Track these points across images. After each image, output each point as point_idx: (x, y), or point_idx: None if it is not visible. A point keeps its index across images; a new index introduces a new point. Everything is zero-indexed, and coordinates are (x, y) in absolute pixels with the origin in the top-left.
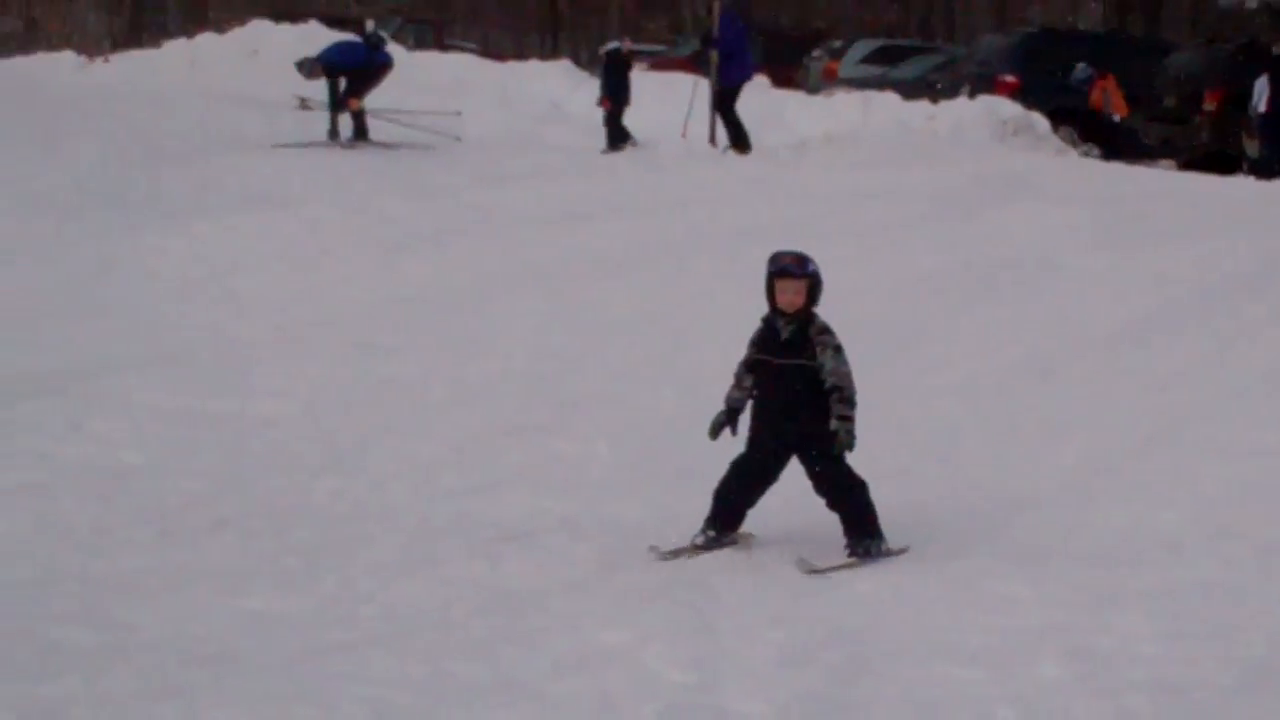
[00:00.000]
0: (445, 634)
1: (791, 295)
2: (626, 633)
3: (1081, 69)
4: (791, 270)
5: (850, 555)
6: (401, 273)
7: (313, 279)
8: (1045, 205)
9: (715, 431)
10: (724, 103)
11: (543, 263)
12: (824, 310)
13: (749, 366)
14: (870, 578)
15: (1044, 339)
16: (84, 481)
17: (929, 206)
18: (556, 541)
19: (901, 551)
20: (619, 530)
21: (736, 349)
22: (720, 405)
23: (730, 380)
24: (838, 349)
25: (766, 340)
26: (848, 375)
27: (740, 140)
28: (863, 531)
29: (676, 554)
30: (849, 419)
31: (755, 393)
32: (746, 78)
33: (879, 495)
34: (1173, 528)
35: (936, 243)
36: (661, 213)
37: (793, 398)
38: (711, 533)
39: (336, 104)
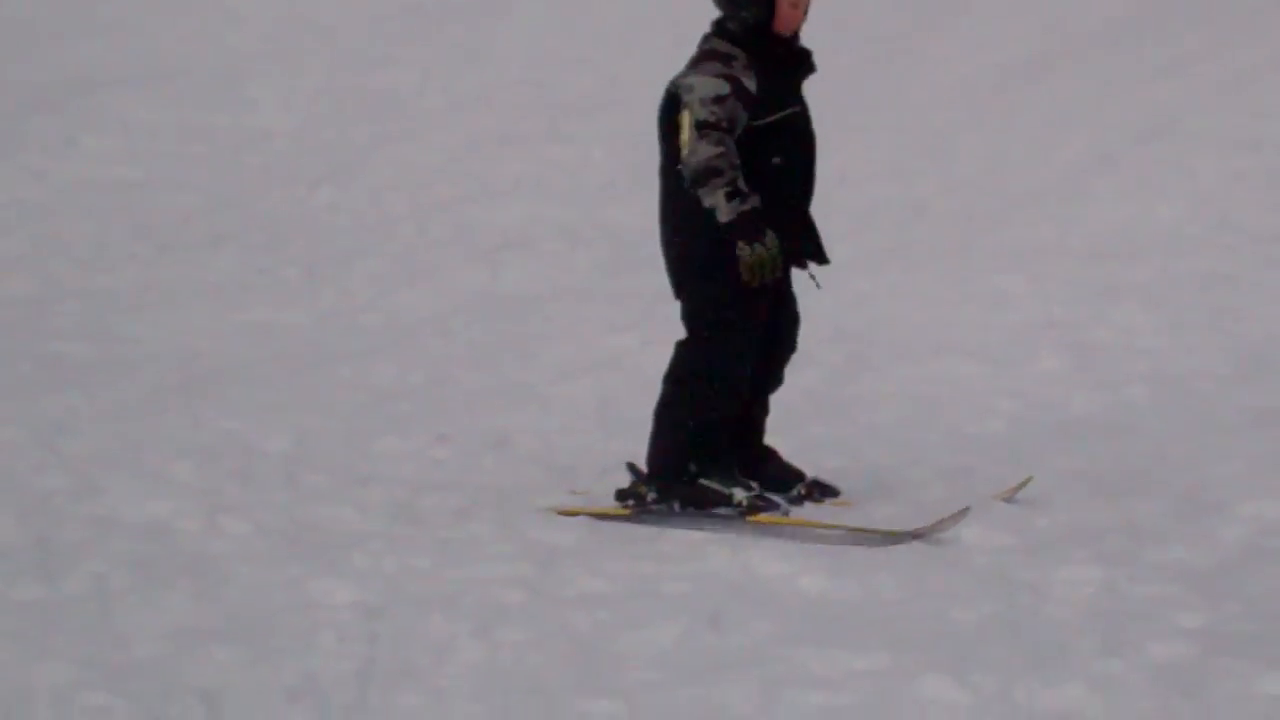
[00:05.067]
0: (447, 341)
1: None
2: (627, 337)
3: None
4: None
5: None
6: None
7: None
8: None
9: (769, 268)
10: None
11: None
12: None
13: (765, 130)
14: (868, 276)
15: (1041, 34)
16: (82, 198)
17: None
18: (556, 248)
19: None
20: (617, 236)
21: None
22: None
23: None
24: None
25: (780, 84)
26: None
27: None
28: None
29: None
30: None
31: (760, 182)
32: None
33: (879, 193)
34: (1170, 220)
35: None
36: None
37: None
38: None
39: None
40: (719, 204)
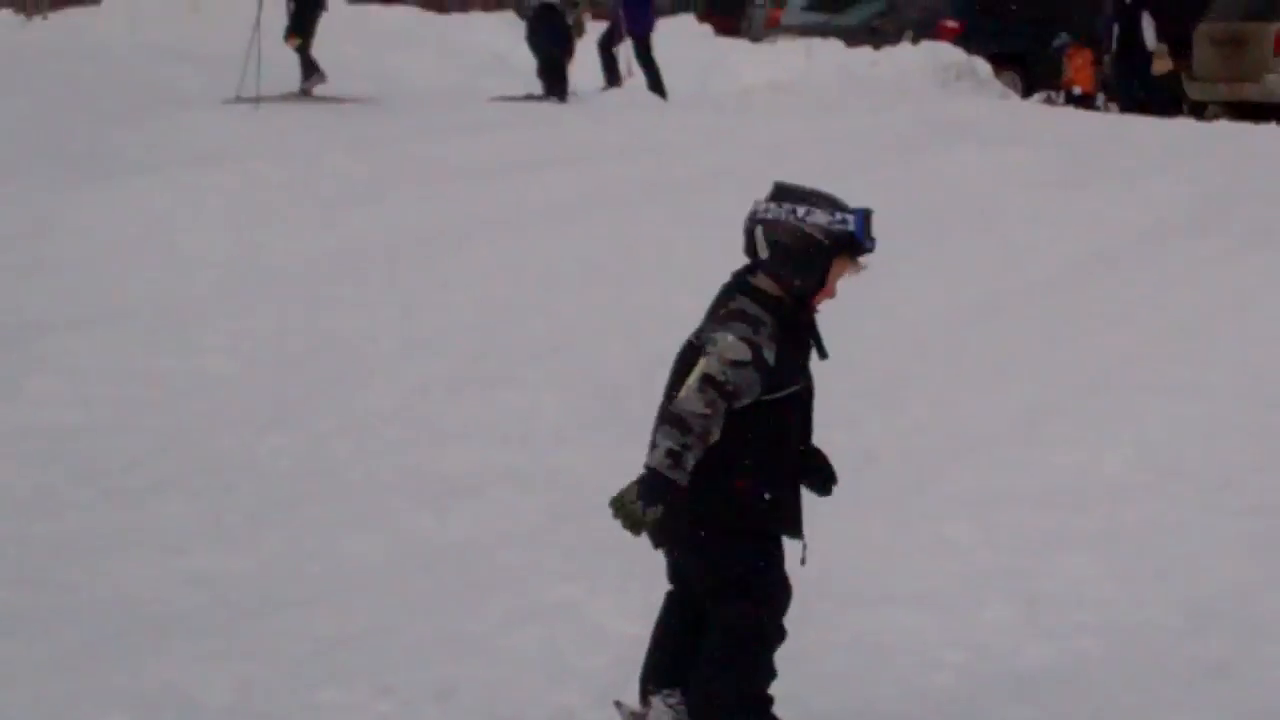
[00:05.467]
0: (392, 590)
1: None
2: (575, 586)
3: (1060, 38)
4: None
5: None
6: (345, 227)
7: (255, 235)
8: (989, 148)
9: (632, 527)
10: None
11: (488, 214)
12: None
13: (772, 404)
14: (816, 524)
15: (989, 281)
16: (23, 444)
17: (873, 152)
18: (504, 494)
19: None
20: (567, 482)
21: (686, 299)
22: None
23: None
24: None
25: (792, 358)
26: None
27: (658, 86)
28: None
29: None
30: None
31: (763, 455)
32: (649, 28)
33: (829, 441)
34: (1118, 469)
35: (880, 187)
36: (607, 163)
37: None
38: None
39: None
40: (658, 452)
